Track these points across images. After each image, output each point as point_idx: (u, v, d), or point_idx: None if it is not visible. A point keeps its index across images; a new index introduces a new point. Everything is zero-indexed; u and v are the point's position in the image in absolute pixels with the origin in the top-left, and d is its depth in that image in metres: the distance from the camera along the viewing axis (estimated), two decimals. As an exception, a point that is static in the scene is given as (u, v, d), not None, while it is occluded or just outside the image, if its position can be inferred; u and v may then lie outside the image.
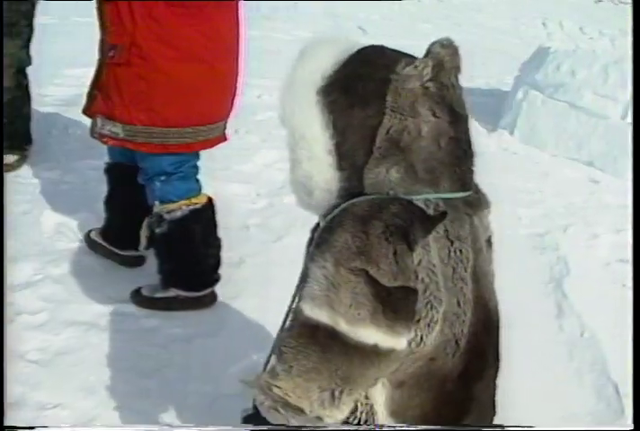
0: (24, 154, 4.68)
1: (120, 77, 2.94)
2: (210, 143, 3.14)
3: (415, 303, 1.48)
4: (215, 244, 3.26)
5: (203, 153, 3.25)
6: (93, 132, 3.12)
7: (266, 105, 6.27)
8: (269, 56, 8.76)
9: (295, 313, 1.53)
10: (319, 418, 1.49)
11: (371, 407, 1.58)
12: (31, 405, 2.70)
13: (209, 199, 3.25)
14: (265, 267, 3.66)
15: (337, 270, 1.44)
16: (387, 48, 1.60)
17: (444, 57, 1.54)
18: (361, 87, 1.52)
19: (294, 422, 1.49)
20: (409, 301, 1.47)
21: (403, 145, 1.51)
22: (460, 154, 1.58)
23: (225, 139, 3.24)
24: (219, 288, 3.34)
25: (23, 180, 4.43)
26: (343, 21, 11.36)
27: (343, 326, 1.44)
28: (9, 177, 4.44)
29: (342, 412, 1.51)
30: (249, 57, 8.78)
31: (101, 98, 3.03)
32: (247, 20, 10.57)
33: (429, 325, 1.51)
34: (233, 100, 3.19)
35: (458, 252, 1.55)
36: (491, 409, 1.76)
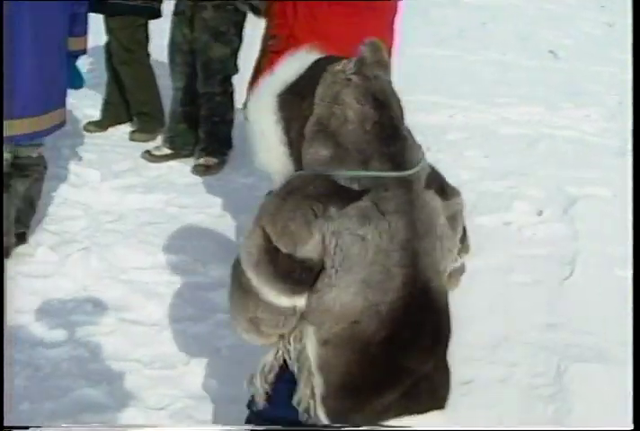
0: (224, 159, 4.84)
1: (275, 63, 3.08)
2: None
3: (301, 270, 1.75)
4: None
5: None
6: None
7: (457, 125, 6.25)
8: (459, 76, 8.74)
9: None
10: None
11: (303, 357, 1.88)
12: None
13: None
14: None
15: (254, 225, 1.79)
16: (337, 57, 1.89)
17: (366, 54, 1.83)
18: (302, 85, 1.82)
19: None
20: (292, 266, 1.75)
21: (332, 129, 1.78)
22: (387, 136, 1.81)
23: None
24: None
25: (221, 184, 4.58)
26: (533, 44, 11.18)
27: (243, 266, 1.80)
28: (209, 180, 4.60)
29: (247, 340, 1.91)
30: (438, 76, 8.83)
31: None
32: (438, 39, 10.61)
33: (340, 283, 1.75)
34: None
35: (384, 226, 1.75)
36: (441, 386, 1.94)
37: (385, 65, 1.87)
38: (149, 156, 4.89)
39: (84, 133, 5.18)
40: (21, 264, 3.50)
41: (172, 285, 3.44)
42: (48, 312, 3.22)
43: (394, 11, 3.38)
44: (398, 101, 1.89)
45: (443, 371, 1.95)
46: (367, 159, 1.77)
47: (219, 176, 4.68)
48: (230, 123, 4.85)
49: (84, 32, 3.64)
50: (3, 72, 3.09)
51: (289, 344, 1.91)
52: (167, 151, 4.92)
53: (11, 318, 3.06)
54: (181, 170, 4.73)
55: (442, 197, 1.90)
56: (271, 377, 1.99)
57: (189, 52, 4.73)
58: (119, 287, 3.40)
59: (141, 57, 5.13)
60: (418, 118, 6.36)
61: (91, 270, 3.49)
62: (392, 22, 3.37)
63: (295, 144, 1.82)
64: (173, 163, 4.82)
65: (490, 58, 10.39)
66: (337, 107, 1.78)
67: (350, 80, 1.79)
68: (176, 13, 4.75)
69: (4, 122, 3.17)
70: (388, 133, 1.82)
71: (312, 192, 1.73)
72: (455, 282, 2.13)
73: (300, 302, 1.80)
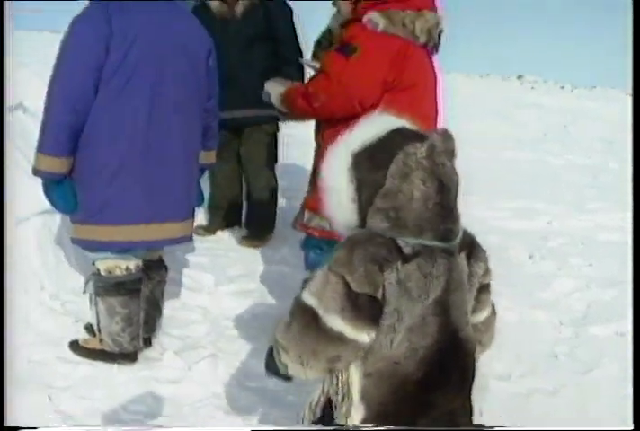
0: None
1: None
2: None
3: (377, 309, 2.01)
4: None
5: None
6: (296, 223, 3.63)
7: (557, 231, 6.30)
8: (547, 180, 8.80)
9: (296, 298, 2.09)
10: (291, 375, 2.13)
11: (349, 386, 2.10)
12: None
13: None
14: (579, 398, 3.60)
15: (328, 273, 2.01)
16: (410, 130, 2.12)
17: (436, 142, 2.05)
18: (379, 157, 2.05)
19: (282, 368, 2.13)
20: (371, 306, 2.00)
21: (398, 204, 2.03)
22: (444, 216, 2.07)
23: None
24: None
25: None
26: (618, 147, 11.24)
27: (322, 312, 2.00)
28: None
29: (307, 377, 2.10)
30: (527, 181, 8.87)
31: (312, 194, 3.43)
32: (523, 143, 10.75)
33: (393, 329, 2.02)
34: None
35: (425, 285, 2.03)
36: (462, 420, 2.18)
37: (452, 154, 2.11)
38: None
39: (195, 236, 5.36)
40: (149, 368, 3.60)
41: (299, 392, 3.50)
42: (181, 417, 3.29)
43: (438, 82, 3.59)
44: (458, 183, 2.12)
45: (467, 408, 2.19)
46: (422, 231, 2.05)
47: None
48: None
49: (215, 146, 3.74)
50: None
51: (339, 376, 2.13)
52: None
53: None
54: (293, 275, 4.86)
55: (468, 261, 2.18)
56: (319, 410, 2.24)
57: None
58: (247, 395, 3.46)
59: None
60: (517, 226, 6.45)
61: (219, 377, 3.56)
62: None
63: (364, 205, 2.08)
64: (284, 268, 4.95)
65: (575, 162, 10.46)
66: (406, 185, 2.03)
67: (420, 163, 2.03)
68: None
69: (137, 227, 3.32)
70: (446, 213, 2.09)
71: (375, 247, 2.02)
72: (490, 335, 2.37)
73: (373, 335, 2.04)
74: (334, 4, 3.65)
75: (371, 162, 2.07)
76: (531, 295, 4.79)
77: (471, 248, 2.23)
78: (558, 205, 7.24)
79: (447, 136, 2.12)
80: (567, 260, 5.49)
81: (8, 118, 4.30)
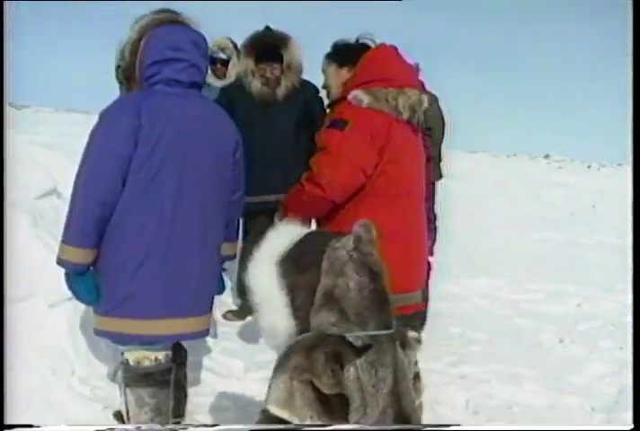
0: None
1: None
2: (409, 308, 3.49)
3: (347, 407, 2.13)
4: None
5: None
6: None
7: (587, 314, 6.26)
8: (575, 261, 8.77)
9: (264, 412, 2.19)
10: None
11: None
12: None
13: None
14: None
15: (292, 383, 2.10)
16: (326, 231, 2.38)
17: (361, 234, 2.25)
18: (304, 259, 2.20)
19: None
20: (342, 404, 2.13)
21: (336, 296, 2.17)
22: (380, 302, 2.23)
23: (423, 306, 3.68)
24: None
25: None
26: (647, 227, 11.16)
27: (297, 421, 2.10)
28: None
29: None
30: (555, 262, 8.82)
31: None
32: (550, 223, 10.71)
33: (359, 415, 2.13)
34: (427, 271, 3.73)
35: (379, 376, 2.16)
36: None
37: (375, 243, 2.29)
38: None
39: (225, 321, 5.38)
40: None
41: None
42: None
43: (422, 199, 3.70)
44: (385, 270, 2.29)
45: None
46: (365, 321, 2.20)
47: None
48: None
49: (237, 238, 3.74)
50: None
51: None
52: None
53: None
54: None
55: (403, 350, 2.30)
56: None
57: None
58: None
59: None
60: (547, 309, 6.42)
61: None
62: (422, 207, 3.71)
63: (300, 308, 2.20)
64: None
65: (603, 242, 10.42)
66: (341, 279, 2.19)
67: (351, 255, 2.22)
68: None
69: (162, 322, 3.30)
70: (382, 299, 2.25)
71: (331, 347, 2.14)
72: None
73: None
74: (325, 88, 3.79)
75: (298, 266, 2.22)
76: (562, 380, 4.74)
77: (403, 336, 2.34)
78: (588, 286, 7.21)
79: (369, 227, 2.30)
80: (598, 343, 5.44)
81: (42, 202, 4.39)
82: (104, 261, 3.28)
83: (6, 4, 3.25)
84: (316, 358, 2.10)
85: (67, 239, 3.23)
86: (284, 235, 2.32)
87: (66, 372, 3.97)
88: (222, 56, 5.04)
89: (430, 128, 5.03)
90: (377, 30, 3.69)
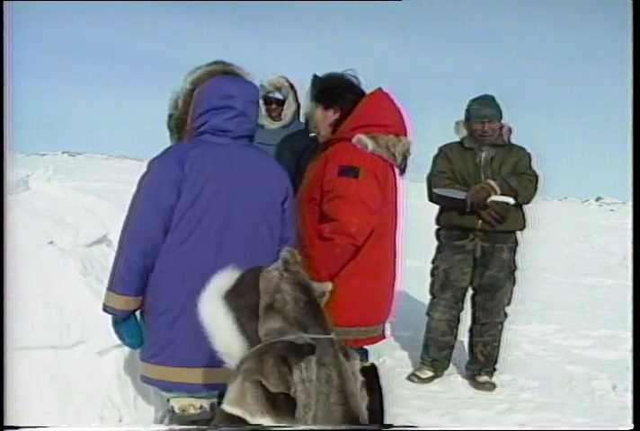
0: None
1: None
2: (374, 339, 3.78)
3: (293, 405, 2.38)
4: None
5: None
6: None
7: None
8: (628, 306, 8.57)
9: (219, 410, 2.49)
10: None
11: None
12: None
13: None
14: None
15: (244, 383, 2.38)
16: (257, 266, 2.70)
17: (288, 257, 2.66)
18: (242, 288, 2.60)
19: None
20: (288, 403, 2.37)
21: (277, 309, 2.53)
22: (315, 311, 2.60)
23: (384, 337, 3.84)
24: None
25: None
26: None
27: (249, 417, 2.35)
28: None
29: None
30: (605, 306, 8.62)
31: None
32: (600, 266, 10.51)
33: (305, 421, 2.38)
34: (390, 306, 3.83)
35: (325, 374, 2.46)
36: None
37: (301, 264, 2.69)
38: (416, 379, 5.40)
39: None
40: None
41: None
42: None
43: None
44: (313, 286, 2.67)
45: None
46: (306, 327, 2.54)
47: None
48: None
49: None
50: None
51: None
52: (429, 373, 5.42)
53: None
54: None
55: (346, 360, 2.57)
56: None
57: (463, 289, 5.36)
58: None
59: None
60: (600, 355, 6.30)
61: None
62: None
63: (246, 326, 2.54)
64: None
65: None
66: (278, 295, 2.55)
67: (282, 275, 2.60)
68: (459, 251, 5.27)
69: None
70: (316, 308, 2.62)
71: (280, 351, 2.41)
72: None
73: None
74: (307, 122, 3.96)
75: (238, 295, 2.58)
76: (614, 429, 4.61)
77: (344, 348, 2.63)
78: (609, 330, 7.10)
79: (292, 252, 2.71)
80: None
81: (92, 250, 4.44)
82: (147, 308, 3.34)
83: (6, 4, 3.29)
84: (266, 361, 2.40)
85: (112, 286, 3.30)
86: (225, 277, 2.68)
87: (114, 419, 3.99)
88: (278, 96, 5.08)
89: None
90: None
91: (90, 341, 4.01)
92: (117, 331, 3.41)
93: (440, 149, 5.44)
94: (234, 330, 2.55)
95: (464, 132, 5.34)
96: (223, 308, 2.57)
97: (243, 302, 2.57)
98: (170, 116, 3.49)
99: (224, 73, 3.41)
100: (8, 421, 3.36)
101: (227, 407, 2.42)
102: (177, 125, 3.46)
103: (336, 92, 3.72)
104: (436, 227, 5.49)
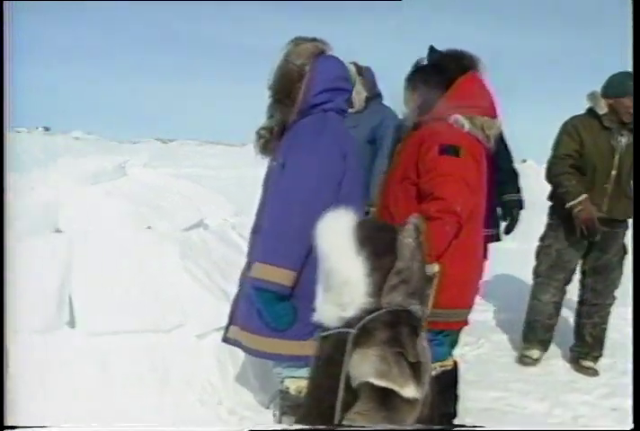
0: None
1: None
2: (461, 324, 3.72)
3: (423, 371, 2.48)
4: (451, 397, 3.72)
5: None
6: None
7: None
8: None
9: (363, 386, 2.43)
10: None
11: None
12: None
13: (455, 363, 3.75)
14: None
15: (386, 355, 2.42)
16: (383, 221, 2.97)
17: (419, 224, 2.64)
18: (381, 244, 2.58)
19: None
20: (422, 370, 2.47)
21: (405, 278, 2.54)
22: (428, 287, 2.73)
23: (467, 323, 3.75)
24: None
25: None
26: None
27: (398, 388, 2.39)
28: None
29: None
30: None
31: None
32: None
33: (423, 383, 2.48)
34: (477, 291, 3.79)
35: (423, 346, 2.55)
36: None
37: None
38: (529, 359, 5.32)
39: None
40: None
41: None
42: None
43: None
44: None
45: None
46: (423, 301, 2.62)
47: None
48: None
49: None
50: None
51: None
52: (539, 353, 5.35)
53: None
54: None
55: None
56: None
57: (572, 270, 5.28)
58: None
59: None
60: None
61: None
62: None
63: (376, 287, 2.52)
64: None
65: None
66: (410, 263, 2.56)
67: (417, 240, 2.60)
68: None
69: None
70: (429, 284, 2.74)
71: (410, 321, 2.52)
72: None
73: None
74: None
75: (376, 250, 2.55)
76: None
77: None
78: None
79: (422, 220, 2.70)
80: None
81: (190, 234, 4.47)
82: (307, 285, 3.15)
83: (6, 4, 3.28)
84: (400, 332, 2.45)
85: (275, 260, 3.23)
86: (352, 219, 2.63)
87: (213, 402, 4.02)
88: None
89: None
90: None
91: (189, 325, 4.05)
92: (269, 310, 3.28)
93: (570, 124, 5.13)
94: (365, 296, 2.53)
95: (603, 108, 4.97)
96: (361, 266, 2.53)
97: (380, 263, 2.55)
98: (281, 87, 3.48)
99: (323, 52, 3.46)
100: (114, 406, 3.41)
101: (374, 379, 2.43)
102: (288, 97, 3.46)
103: (424, 74, 3.72)
104: (550, 204, 5.30)
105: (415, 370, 2.44)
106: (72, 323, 4.01)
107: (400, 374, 2.41)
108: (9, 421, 3.64)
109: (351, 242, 2.53)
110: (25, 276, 4.00)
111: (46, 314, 3.97)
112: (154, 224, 4.34)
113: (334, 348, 2.56)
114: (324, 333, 2.63)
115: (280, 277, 3.21)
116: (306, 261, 3.23)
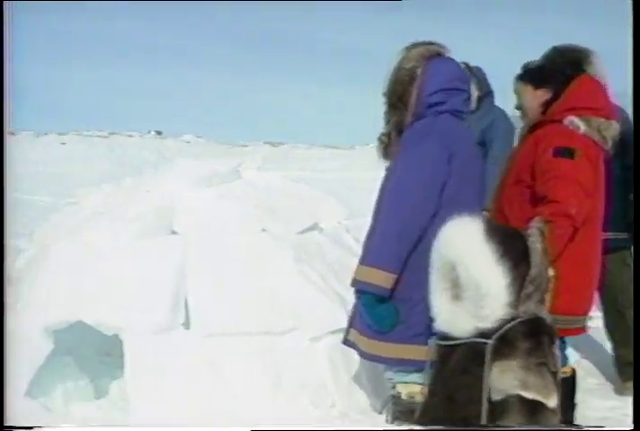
0: None
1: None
2: (578, 331, 3.54)
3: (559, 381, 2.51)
4: (570, 405, 3.50)
5: None
6: None
7: None
8: None
9: (511, 398, 2.43)
10: None
11: None
12: None
13: (573, 370, 3.59)
14: None
15: (529, 365, 2.40)
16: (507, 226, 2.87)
17: (543, 229, 2.69)
18: (515, 254, 2.54)
19: None
20: (558, 378, 2.50)
21: (538, 285, 2.54)
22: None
23: (584, 330, 3.61)
24: None
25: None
26: None
27: (544, 399, 2.39)
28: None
29: None
30: None
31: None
32: None
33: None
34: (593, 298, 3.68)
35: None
36: None
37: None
38: None
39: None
40: None
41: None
42: None
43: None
44: None
45: None
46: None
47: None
48: None
49: None
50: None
51: None
52: None
53: None
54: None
55: None
56: None
57: None
58: None
59: None
60: None
61: None
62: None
63: (514, 296, 2.51)
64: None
65: None
66: (541, 268, 2.58)
67: (542, 248, 2.60)
68: None
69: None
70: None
71: (545, 331, 2.54)
72: None
73: None
74: (519, 108, 3.82)
75: (514, 263, 2.53)
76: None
77: None
78: None
79: (544, 223, 2.77)
80: None
81: (304, 238, 4.47)
82: (410, 289, 3.28)
83: (6, 5, 3.30)
84: (541, 341, 2.47)
85: (375, 262, 3.29)
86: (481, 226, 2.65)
87: (327, 405, 4.01)
88: None
89: None
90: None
91: (302, 328, 4.04)
92: (371, 312, 3.36)
93: None
94: (506, 306, 2.53)
95: None
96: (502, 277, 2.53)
97: (517, 271, 2.54)
98: (392, 92, 3.54)
99: (439, 54, 3.49)
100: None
101: (524, 392, 2.45)
102: (400, 100, 3.51)
103: (546, 72, 3.69)
104: None
105: (556, 380, 2.47)
106: (187, 324, 4.05)
107: (544, 385, 2.43)
108: (130, 421, 3.72)
109: (488, 252, 2.48)
110: (140, 277, 4.07)
111: (161, 315, 4.02)
112: (268, 226, 4.35)
113: (468, 359, 2.52)
114: (450, 342, 2.57)
115: (379, 278, 3.27)
116: (407, 264, 3.27)
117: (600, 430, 3.09)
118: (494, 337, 2.47)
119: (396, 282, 3.30)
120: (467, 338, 2.53)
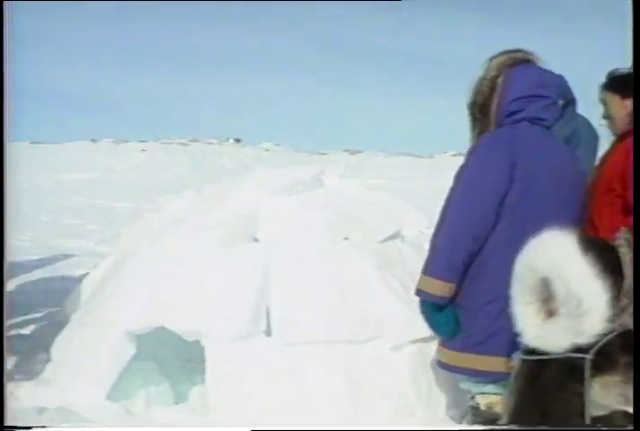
0: None
1: None
2: None
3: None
4: None
5: None
6: None
7: None
8: None
9: (615, 414, 2.38)
10: None
11: None
12: None
13: None
14: None
15: (629, 380, 2.30)
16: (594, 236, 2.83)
17: (630, 239, 2.49)
18: (610, 266, 2.37)
19: None
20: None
21: (631, 297, 2.38)
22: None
23: None
24: None
25: None
26: None
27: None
28: None
29: None
30: None
31: None
32: None
33: None
34: None
35: None
36: None
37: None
38: None
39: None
40: None
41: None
42: None
43: None
44: None
45: None
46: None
47: None
48: None
49: None
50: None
51: None
52: None
53: None
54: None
55: None
56: None
57: None
58: None
59: None
60: None
61: None
62: None
63: (614, 311, 2.34)
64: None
65: None
66: (632, 280, 2.41)
67: (630, 259, 2.44)
68: None
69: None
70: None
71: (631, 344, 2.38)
72: None
73: None
74: (606, 118, 3.70)
75: (610, 272, 2.35)
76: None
77: None
78: None
79: (630, 233, 2.54)
80: None
81: (386, 246, 4.45)
82: (470, 297, 3.32)
83: (6, 5, 3.25)
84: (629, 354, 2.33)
85: (431, 271, 3.33)
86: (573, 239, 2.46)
87: (407, 414, 3.98)
88: None
89: None
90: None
91: (384, 336, 4.02)
92: (430, 319, 3.42)
93: None
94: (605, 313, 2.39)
95: None
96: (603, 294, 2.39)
97: (613, 284, 2.39)
98: (473, 103, 3.52)
99: (525, 60, 3.45)
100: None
101: (629, 408, 2.38)
102: (481, 111, 3.49)
103: (629, 81, 3.54)
104: None
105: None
106: (268, 332, 4.06)
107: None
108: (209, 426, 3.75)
109: (587, 265, 2.36)
110: (222, 284, 4.09)
111: (242, 322, 4.03)
112: (350, 235, 4.34)
113: (564, 374, 2.42)
114: (540, 357, 2.47)
115: (436, 288, 3.31)
116: (469, 273, 3.29)
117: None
118: (592, 352, 2.36)
119: (457, 290, 3.33)
120: (561, 354, 2.44)
